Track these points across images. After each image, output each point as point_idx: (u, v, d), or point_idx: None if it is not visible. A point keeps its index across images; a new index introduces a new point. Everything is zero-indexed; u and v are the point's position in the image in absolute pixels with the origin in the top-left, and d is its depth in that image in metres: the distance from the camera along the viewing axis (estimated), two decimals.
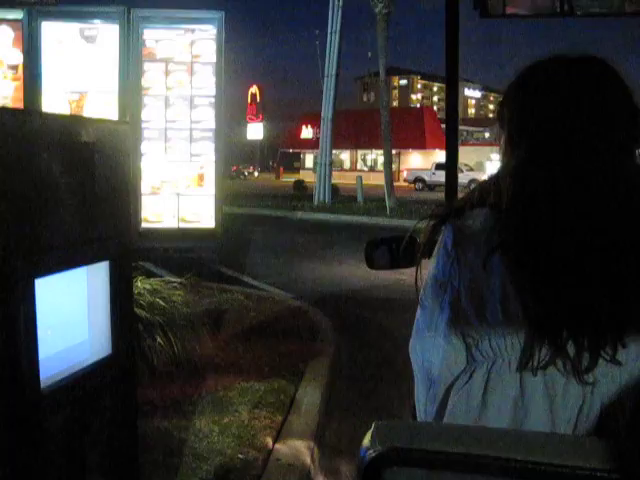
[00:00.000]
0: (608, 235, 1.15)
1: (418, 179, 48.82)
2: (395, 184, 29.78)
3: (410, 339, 1.33)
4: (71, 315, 2.36)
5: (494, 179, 1.29)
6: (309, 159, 60.85)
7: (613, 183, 1.20)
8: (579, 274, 1.14)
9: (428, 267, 1.33)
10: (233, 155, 61.49)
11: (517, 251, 1.17)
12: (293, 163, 72.85)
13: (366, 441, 0.97)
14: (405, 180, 50.58)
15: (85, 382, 2.33)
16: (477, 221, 1.25)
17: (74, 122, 2.50)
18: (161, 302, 5.52)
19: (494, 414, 1.17)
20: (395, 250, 2.34)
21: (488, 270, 1.19)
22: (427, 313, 1.28)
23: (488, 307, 1.18)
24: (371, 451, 0.94)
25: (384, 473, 0.93)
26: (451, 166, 2.51)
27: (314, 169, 33.35)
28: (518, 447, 0.97)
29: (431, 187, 45.20)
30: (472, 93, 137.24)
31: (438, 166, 44.28)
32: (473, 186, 1.36)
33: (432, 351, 1.26)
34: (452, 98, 2.49)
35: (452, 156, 2.50)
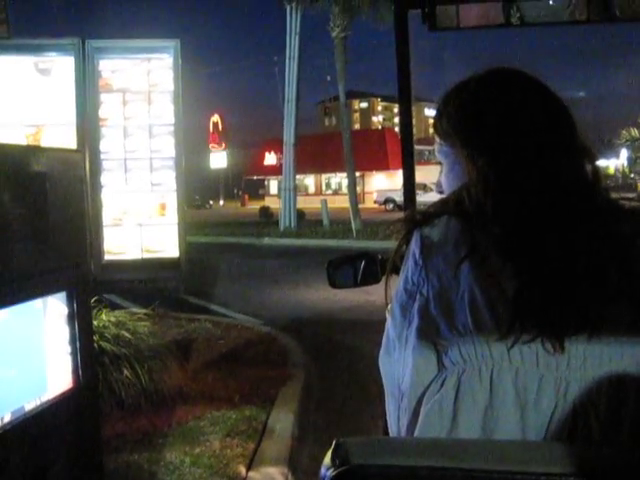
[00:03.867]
0: (583, 230, 1.19)
1: (389, 200, 48.86)
2: (364, 206, 29.72)
3: (380, 352, 1.32)
4: (28, 349, 2.28)
5: (458, 190, 1.31)
6: (274, 185, 60.83)
7: (576, 184, 1.25)
8: (564, 266, 1.16)
9: (398, 278, 1.32)
10: (197, 185, 61.11)
11: (503, 244, 1.18)
12: (258, 190, 72.85)
13: (327, 460, 0.93)
14: (375, 202, 50.59)
15: (46, 418, 2.26)
16: (444, 228, 1.26)
17: (24, 151, 2.44)
18: (127, 334, 5.43)
19: (465, 424, 1.15)
20: (358, 268, 2.33)
21: (457, 278, 1.19)
22: (396, 323, 1.27)
23: (457, 315, 1.18)
24: (331, 470, 0.91)
25: None
26: (409, 185, 2.52)
27: (279, 195, 33.33)
28: (483, 457, 0.95)
29: (402, 207, 44.89)
30: (433, 113, 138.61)
31: None
32: None
33: (402, 361, 1.24)
34: (407, 117, 2.49)
35: (409, 175, 2.51)
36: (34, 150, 2.70)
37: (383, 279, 1.64)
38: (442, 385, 1.17)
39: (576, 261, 1.17)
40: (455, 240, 1.23)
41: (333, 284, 2.37)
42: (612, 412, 1.12)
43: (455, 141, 1.36)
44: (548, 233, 1.19)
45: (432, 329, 1.20)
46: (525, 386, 1.13)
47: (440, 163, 1.45)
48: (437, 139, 1.43)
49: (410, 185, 2.52)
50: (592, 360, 1.12)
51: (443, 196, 1.40)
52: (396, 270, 1.38)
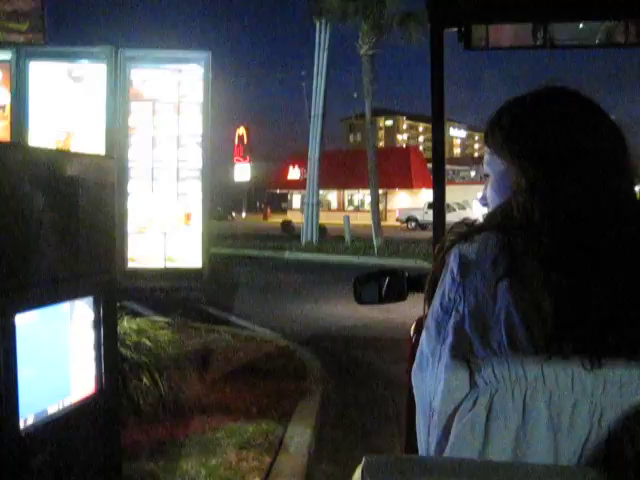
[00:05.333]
0: (627, 249, 1.20)
1: (410, 218, 48.74)
2: (386, 224, 29.69)
3: (413, 367, 1.31)
4: (54, 352, 2.30)
5: (506, 200, 1.32)
6: (296, 199, 60.99)
7: (623, 202, 1.26)
8: (604, 284, 1.16)
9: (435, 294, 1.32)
10: (220, 197, 61.34)
11: (548, 253, 1.19)
12: (281, 203, 73.08)
13: (356, 476, 0.93)
14: (397, 219, 50.47)
15: (67, 422, 2.27)
16: (483, 245, 1.26)
17: (58, 156, 2.47)
18: (147, 342, 5.45)
19: (496, 445, 1.14)
20: (382, 285, 2.32)
21: (494, 296, 1.19)
22: (431, 338, 1.26)
23: (493, 334, 1.18)
24: None
25: None
26: (439, 203, 2.51)
27: (301, 209, 33.36)
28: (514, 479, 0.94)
29: (423, 226, 44.62)
30: (457, 133, 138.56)
31: (430, 205, 43.36)
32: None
33: (434, 377, 1.24)
34: (438, 135, 2.48)
35: (439, 193, 2.50)
36: (67, 155, 2.73)
37: (411, 296, 1.62)
38: (474, 404, 1.16)
39: (616, 279, 1.17)
40: (493, 258, 1.23)
41: (359, 299, 2.36)
42: None
43: (506, 153, 1.37)
44: (590, 249, 1.19)
45: (466, 347, 1.19)
46: (559, 410, 1.12)
47: (486, 175, 1.46)
48: (487, 150, 1.44)
49: (440, 204, 2.51)
50: (629, 386, 1.11)
51: (486, 210, 1.41)
52: (434, 285, 1.38)
